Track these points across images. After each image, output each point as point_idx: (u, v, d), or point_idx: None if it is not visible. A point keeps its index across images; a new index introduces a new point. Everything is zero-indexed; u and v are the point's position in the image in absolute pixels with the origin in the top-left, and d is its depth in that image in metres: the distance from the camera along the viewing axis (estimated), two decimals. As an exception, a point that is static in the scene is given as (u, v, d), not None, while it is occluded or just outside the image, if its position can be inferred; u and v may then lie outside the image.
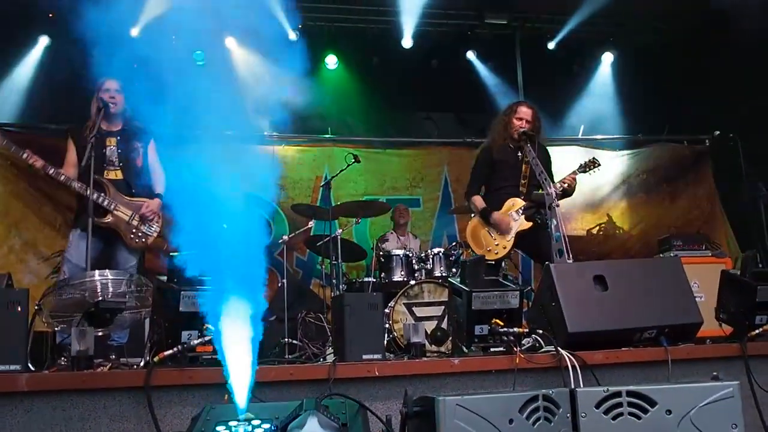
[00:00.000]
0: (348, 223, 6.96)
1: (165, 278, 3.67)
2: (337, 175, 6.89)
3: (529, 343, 3.72)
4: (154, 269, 6.04)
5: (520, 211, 5.29)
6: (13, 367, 3.06)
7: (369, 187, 8.47)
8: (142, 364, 3.59)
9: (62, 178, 4.85)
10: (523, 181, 5.36)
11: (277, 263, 7.88)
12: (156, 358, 3.19)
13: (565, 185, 5.23)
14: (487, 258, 5.25)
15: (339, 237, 6.40)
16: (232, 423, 2.09)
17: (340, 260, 6.36)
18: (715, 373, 2.49)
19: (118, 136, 5.18)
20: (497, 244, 5.30)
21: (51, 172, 4.84)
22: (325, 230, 6.98)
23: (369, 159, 8.41)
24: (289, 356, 5.71)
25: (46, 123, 7.22)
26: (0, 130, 4.73)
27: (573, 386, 3.18)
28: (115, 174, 5.10)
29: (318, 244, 6.68)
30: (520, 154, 5.44)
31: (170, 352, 3.22)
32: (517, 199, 5.35)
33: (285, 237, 6.82)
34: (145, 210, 5.07)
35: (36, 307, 3.60)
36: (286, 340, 6.03)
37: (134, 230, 5.03)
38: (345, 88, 9.05)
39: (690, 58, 8.69)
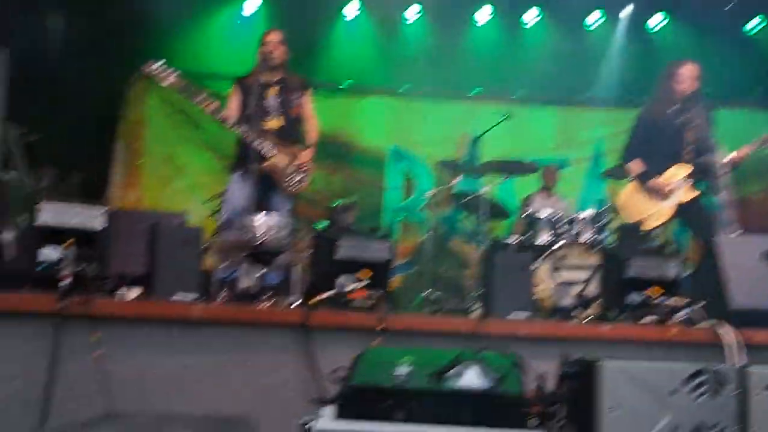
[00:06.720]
0: (494, 182, 6.90)
1: (323, 225, 3.82)
2: (486, 132, 6.83)
3: (684, 315, 3.62)
4: (309, 216, 6.27)
5: (683, 180, 5.07)
6: (188, 297, 3.31)
7: (516, 145, 8.32)
8: (296, 304, 3.77)
9: (230, 122, 5.09)
10: (687, 148, 5.12)
11: (421, 218, 8.01)
12: (313, 300, 3.35)
13: (737, 158, 4.90)
14: (643, 226, 5.09)
15: (484, 195, 6.38)
16: (396, 365, 2.16)
17: (484, 218, 6.35)
18: None
19: (279, 86, 5.36)
20: (655, 212, 5.11)
21: (219, 116, 5.08)
22: (470, 187, 6.98)
23: (517, 116, 8.24)
24: (429, 309, 5.81)
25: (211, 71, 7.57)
26: (176, 73, 5.01)
27: (734, 364, 3.07)
28: (275, 122, 5.30)
29: (462, 200, 6.68)
30: (683, 118, 5.19)
31: (327, 294, 3.38)
32: (680, 166, 5.11)
33: (430, 192, 6.87)
34: (301, 159, 5.27)
35: (205, 245, 3.86)
36: (427, 292, 6.13)
37: (290, 177, 5.22)
38: (496, 43, 8.89)
39: None
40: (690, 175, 5.04)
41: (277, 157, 5.16)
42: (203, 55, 7.79)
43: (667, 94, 5.26)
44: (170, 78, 4.98)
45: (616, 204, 5.68)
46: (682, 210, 5.08)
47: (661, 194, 5.09)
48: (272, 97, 5.33)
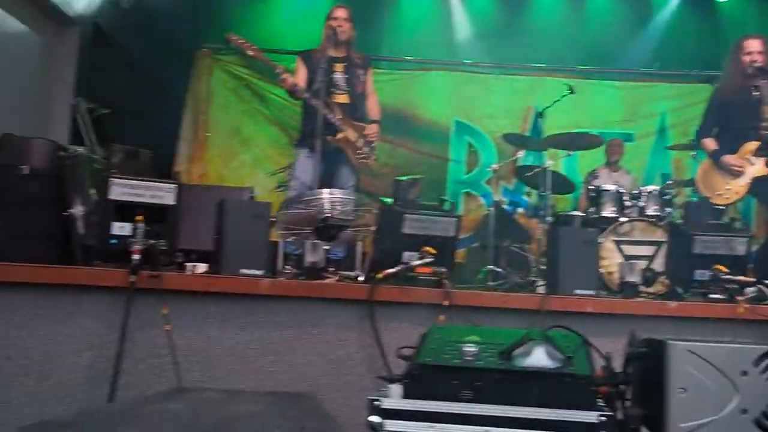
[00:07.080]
0: (558, 155, 6.80)
1: (388, 201, 3.83)
2: (551, 105, 6.74)
3: (753, 293, 3.54)
4: (373, 191, 6.31)
5: (756, 155, 4.93)
6: (256, 272, 3.38)
7: (581, 118, 8.18)
8: (362, 279, 3.81)
9: (306, 95, 5.15)
10: (763, 123, 4.96)
11: (485, 191, 7.98)
12: (380, 275, 3.38)
13: None
14: (717, 202, 4.99)
15: (548, 168, 6.30)
16: (463, 344, 2.17)
17: (548, 192, 6.28)
18: None
19: (345, 62, 5.40)
20: (729, 189, 4.99)
21: (297, 89, 5.15)
22: (534, 161, 6.90)
23: (582, 90, 8.09)
24: (492, 283, 5.79)
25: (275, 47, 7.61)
26: (254, 47, 5.11)
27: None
28: (342, 98, 5.34)
29: (527, 174, 6.63)
30: (755, 93, 5.04)
31: (393, 270, 3.40)
32: (755, 142, 4.97)
33: (494, 165, 6.82)
34: (369, 134, 5.32)
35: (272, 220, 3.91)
36: (491, 267, 6.10)
37: (359, 150, 5.28)
38: (560, 15, 8.71)
39: None
40: (759, 150, 4.91)
41: (347, 132, 5.22)
42: (266, 31, 7.83)
43: (736, 69, 5.13)
44: (251, 49, 5.08)
45: (695, 180, 5.55)
46: (756, 185, 4.96)
47: (736, 171, 4.97)
48: (339, 73, 5.37)
